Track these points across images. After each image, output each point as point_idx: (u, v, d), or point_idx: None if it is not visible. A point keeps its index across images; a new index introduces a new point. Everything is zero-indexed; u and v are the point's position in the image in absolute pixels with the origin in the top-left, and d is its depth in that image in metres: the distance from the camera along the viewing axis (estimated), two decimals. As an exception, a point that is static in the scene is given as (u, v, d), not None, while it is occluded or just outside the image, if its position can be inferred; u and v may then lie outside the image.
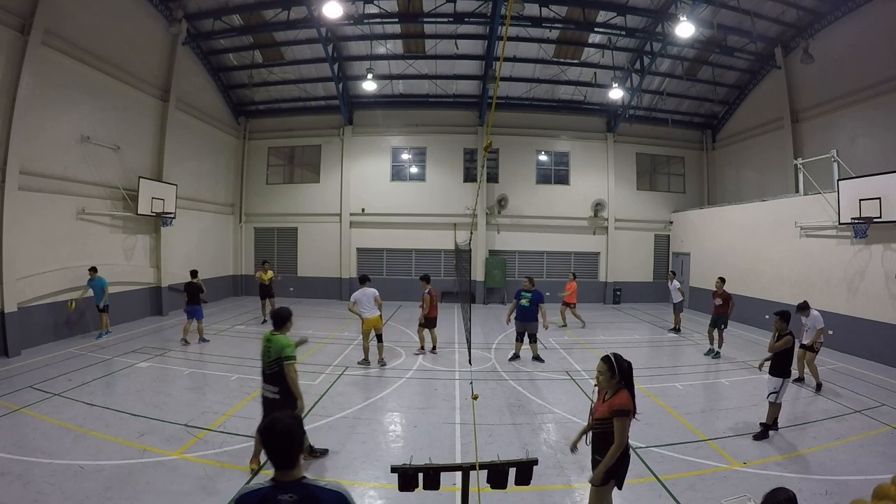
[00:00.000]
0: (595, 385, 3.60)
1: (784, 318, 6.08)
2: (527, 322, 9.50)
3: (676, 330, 13.16)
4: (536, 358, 9.66)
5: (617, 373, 3.39)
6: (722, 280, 10.92)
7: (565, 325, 13.63)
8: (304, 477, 2.04)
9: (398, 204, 18.63)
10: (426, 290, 10.24)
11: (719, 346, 10.43)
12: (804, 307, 8.12)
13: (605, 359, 3.48)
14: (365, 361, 9.22)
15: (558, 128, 19.02)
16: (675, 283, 12.98)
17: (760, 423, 6.13)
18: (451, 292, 17.76)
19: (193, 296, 10.72)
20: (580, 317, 13.87)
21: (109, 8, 11.88)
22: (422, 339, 10.47)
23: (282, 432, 2.02)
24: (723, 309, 10.37)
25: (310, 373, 8.56)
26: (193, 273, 11.13)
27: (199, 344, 10.63)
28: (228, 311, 15.13)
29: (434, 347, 10.42)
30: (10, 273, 9.21)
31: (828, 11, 13.12)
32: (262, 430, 2.10)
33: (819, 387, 8.13)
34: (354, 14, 14.03)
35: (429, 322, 10.27)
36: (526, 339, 9.70)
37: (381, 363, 9.22)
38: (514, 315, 9.66)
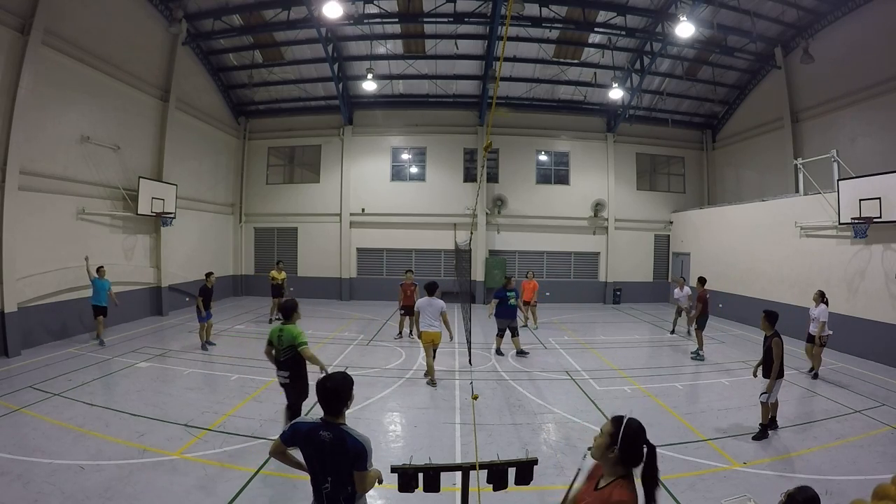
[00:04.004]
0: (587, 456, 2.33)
1: (769, 318, 6.06)
2: (514, 319, 10.02)
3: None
4: (521, 352, 9.89)
5: (619, 444, 2.13)
6: (701, 281, 10.94)
7: (536, 326, 13.43)
8: (344, 423, 2.67)
9: (398, 204, 18.62)
10: (401, 283, 11.67)
11: (700, 349, 10.38)
12: (821, 297, 8.82)
13: (616, 420, 2.20)
14: (431, 381, 8.07)
15: (558, 128, 19.01)
16: (686, 289, 12.65)
17: (759, 424, 6.13)
18: (451, 292, 17.72)
19: (206, 299, 10.16)
20: (532, 317, 13.59)
21: (109, 8, 11.87)
22: (401, 325, 11.84)
23: (331, 389, 2.66)
24: (702, 309, 10.32)
25: (310, 373, 8.53)
26: (208, 275, 10.68)
27: (206, 348, 10.21)
28: (228, 312, 15.09)
29: (411, 332, 11.30)
30: (10, 273, 9.21)
31: (828, 11, 13.11)
32: (318, 384, 2.72)
33: (815, 375, 8.63)
34: (354, 14, 14.02)
35: (407, 310, 11.24)
36: (508, 333, 10.05)
37: (430, 380, 8.11)
38: (496, 313, 9.99)
